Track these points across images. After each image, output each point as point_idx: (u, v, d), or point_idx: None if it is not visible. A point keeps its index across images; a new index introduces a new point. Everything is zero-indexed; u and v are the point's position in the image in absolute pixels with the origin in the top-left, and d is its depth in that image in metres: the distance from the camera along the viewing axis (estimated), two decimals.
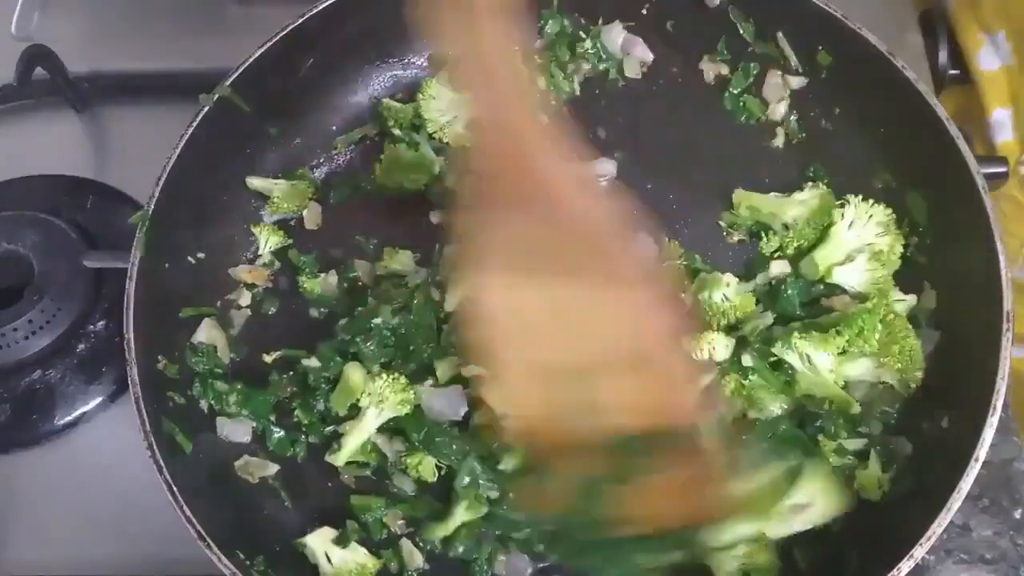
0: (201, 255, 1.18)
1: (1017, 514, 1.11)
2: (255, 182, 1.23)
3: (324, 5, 1.18)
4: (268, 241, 1.21)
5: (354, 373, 1.07)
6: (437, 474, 1.06)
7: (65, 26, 1.53)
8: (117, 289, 1.09)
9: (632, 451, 0.79)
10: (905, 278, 1.12)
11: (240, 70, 1.16)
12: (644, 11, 1.28)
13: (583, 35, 1.29)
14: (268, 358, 1.14)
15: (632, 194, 1.18)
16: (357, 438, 1.06)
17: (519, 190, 0.74)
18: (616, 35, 1.29)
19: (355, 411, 1.08)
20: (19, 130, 1.44)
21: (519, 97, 0.75)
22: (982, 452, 0.93)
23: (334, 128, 1.28)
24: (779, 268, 1.13)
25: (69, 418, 1.22)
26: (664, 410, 0.79)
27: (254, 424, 1.11)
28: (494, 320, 0.78)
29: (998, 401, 0.95)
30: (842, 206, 1.12)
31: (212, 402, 1.11)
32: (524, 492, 0.92)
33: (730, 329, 1.10)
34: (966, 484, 0.92)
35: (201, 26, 1.50)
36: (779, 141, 1.23)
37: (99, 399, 1.22)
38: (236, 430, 1.10)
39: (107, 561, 1.13)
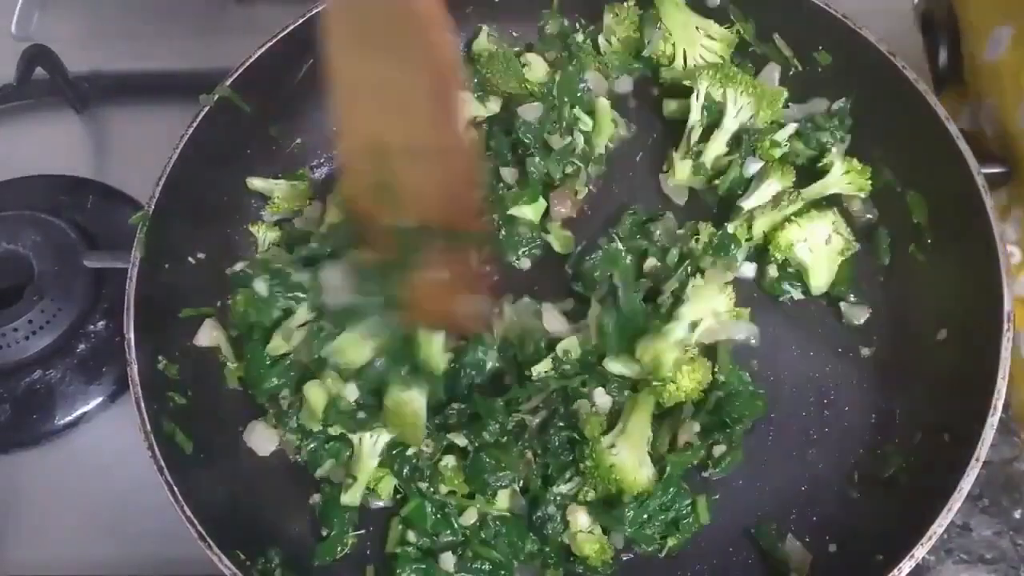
0: (201, 255, 1.18)
1: (1017, 514, 1.11)
2: (256, 182, 1.23)
3: (324, 5, 1.18)
4: (268, 240, 1.21)
5: (314, 392, 1.07)
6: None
7: (65, 26, 1.54)
8: (117, 289, 1.09)
9: (415, 236, 0.95)
10: (904, 275, 1.13)
11: (240, 70, 1.16)
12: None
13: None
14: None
15: None
16: (364, 475, 1.07)
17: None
18: None
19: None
20: (19, 130, 1.45)
21: None
22: (982, 452, 0.93)
23: (334, 128, 1.28)
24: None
25: (69, 418, 1.22)
26: (450, 208, 0.94)
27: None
28: (342, 85, 0.92)
29: (998, 401, 0.95)
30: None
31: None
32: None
33: None
34: (966, 484, 0.92)
35: (201, 26, 1.50)
36: None
37: (99, 399, 1.23)
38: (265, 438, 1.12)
39: (107, 561, 1.13)
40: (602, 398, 1.06)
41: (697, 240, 1.14)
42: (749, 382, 1.08)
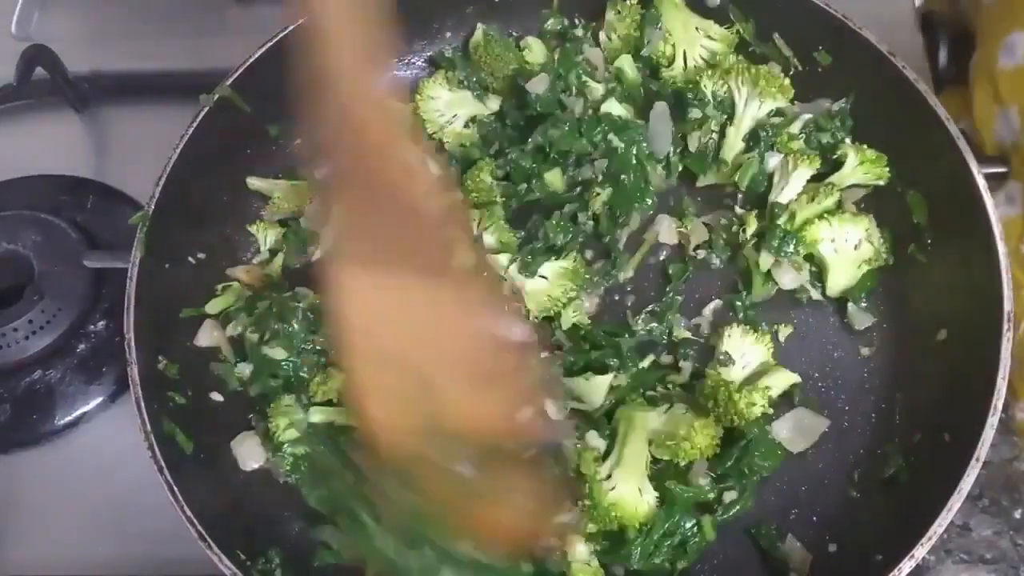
0: (201, 255, 1.18)
1: (1017, 514, 1.11)
2: (255, 182, 1.23)
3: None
4: (268, 239, 1.21)
5: None
6: None
7: (65, 26, 1.53)
8: (117, 289, 1.09)
9: (464, 461, 0.79)
10: (904, 277, 1.13)
11: (240, 70, 1.16)
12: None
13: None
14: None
15: None
16: None
17: (369, 179, 0.76)
18: None
19: None
20: (19, 130, 1.44)
21: (369, 90, 0.78)
22: (982, 452, 0.93)
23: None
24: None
25: (69, 418, 1.22)
26: (500, 425, 0.80)
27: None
28: (350, 311, 0.78)
29: (998, 401, 0.95)
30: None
31: None
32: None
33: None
34: (966, 484, 0.92)
35: (201, 26, 1.50)
36: None
37: (99, 399, 1.23)
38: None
39: (107, 561, 1.13)
40: (596, 440, 1.04)
41: (744, 230, 1.14)
42: (773, 435, 1.06)
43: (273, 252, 1.21)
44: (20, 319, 1.21)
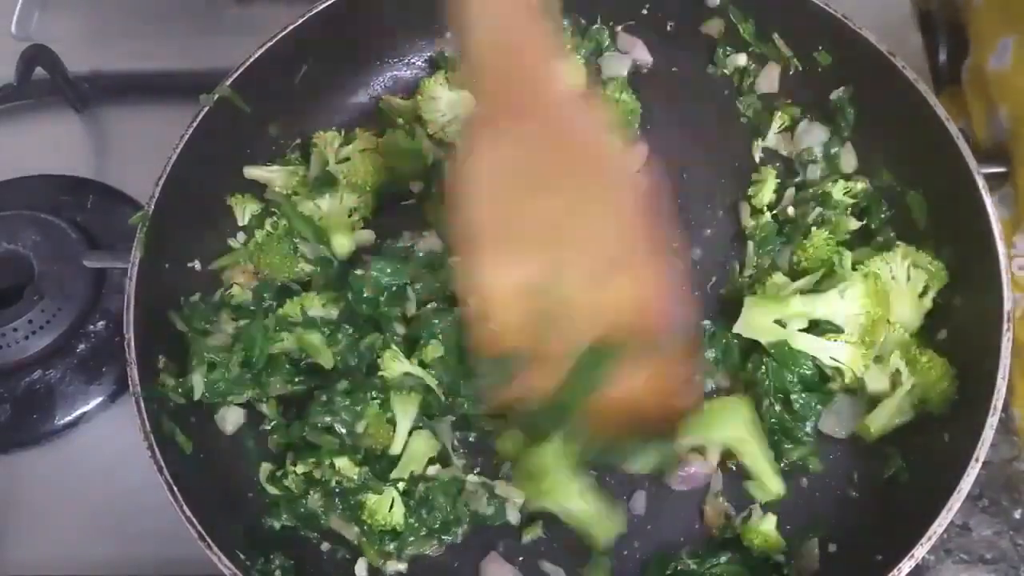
0: (201, 255, 1.18)
1: (1017, 514, 1.11)
2: (253, 171, 1.22)
3: (324, 5, 1.18)
4: (246, 213, 1.20)
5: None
6: None
7: (65, 26, 1.53)
8: (117, 289, 1.09)
9: (604, 358, 0.83)
10: None
11: (240, 70, 1.16)
12: (644, 11, 1.29)
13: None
14: None
15: None
16: None
17: (518, 103, 0.79)
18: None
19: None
20: (19, 130, 1.44)
21: (522, 16, 0.79)
22: (982, 452, 0.93)
23: (334, 128, 1.28)
24: None
25: (69, 418, 1.22)
26: (639, 315, 0.82)
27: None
28: (485, 224, 0.81)
29: (998, 401, 0.95)
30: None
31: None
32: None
33: None
34: (966, 484, 0.92)
35: (201, 26, 1.50)
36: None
37: (99, 399, 1.23)
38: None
39: (107, 561, 1.13)
40: None
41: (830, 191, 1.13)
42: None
43: (249, 228, 1.20)
44: (20, 319, 1.21)
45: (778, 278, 1.09)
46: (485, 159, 0.81)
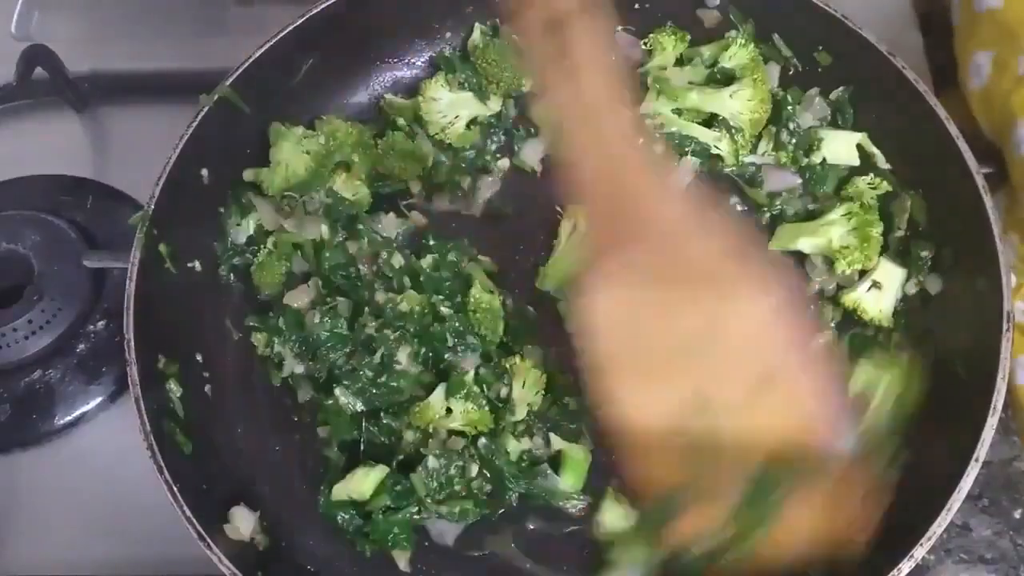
0: (201, 255, 1.18)
1: (1017, 514, 1.11)
2: (249, 173, 1.22)
3: (324, 5, 1.18)
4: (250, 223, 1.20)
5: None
6: None
7: (65, 26, 1.53)
8: (117, 289, 1.09)
9: (765, 483, 0.77)
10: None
11: (240, 70, 1.16)
12: (636, 6, 1.28)
13: None
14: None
15: None
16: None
17: (630, 228, 0.77)
18: None
19: None
20: (19, 130, 1.44)
21: (623, 140, 0.77)
22: (982, 452, 0.93)
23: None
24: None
25: (69, 418, 1.22)
26: (795, 431, 0.77)
27: None
28: (618, 357, 0.78)
29: (998, 401, 0.95)
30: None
31: None
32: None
33: None
34: (966, 484, 0.92)
35: (201, 26, 1.50)
36: None
37: (99, 399, 1.22)
38: None
39: (107, 561, 1.13)
40: None
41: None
42: None
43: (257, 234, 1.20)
44: (20, 319, 1.21)
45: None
46: (605, 290, 0.78)
